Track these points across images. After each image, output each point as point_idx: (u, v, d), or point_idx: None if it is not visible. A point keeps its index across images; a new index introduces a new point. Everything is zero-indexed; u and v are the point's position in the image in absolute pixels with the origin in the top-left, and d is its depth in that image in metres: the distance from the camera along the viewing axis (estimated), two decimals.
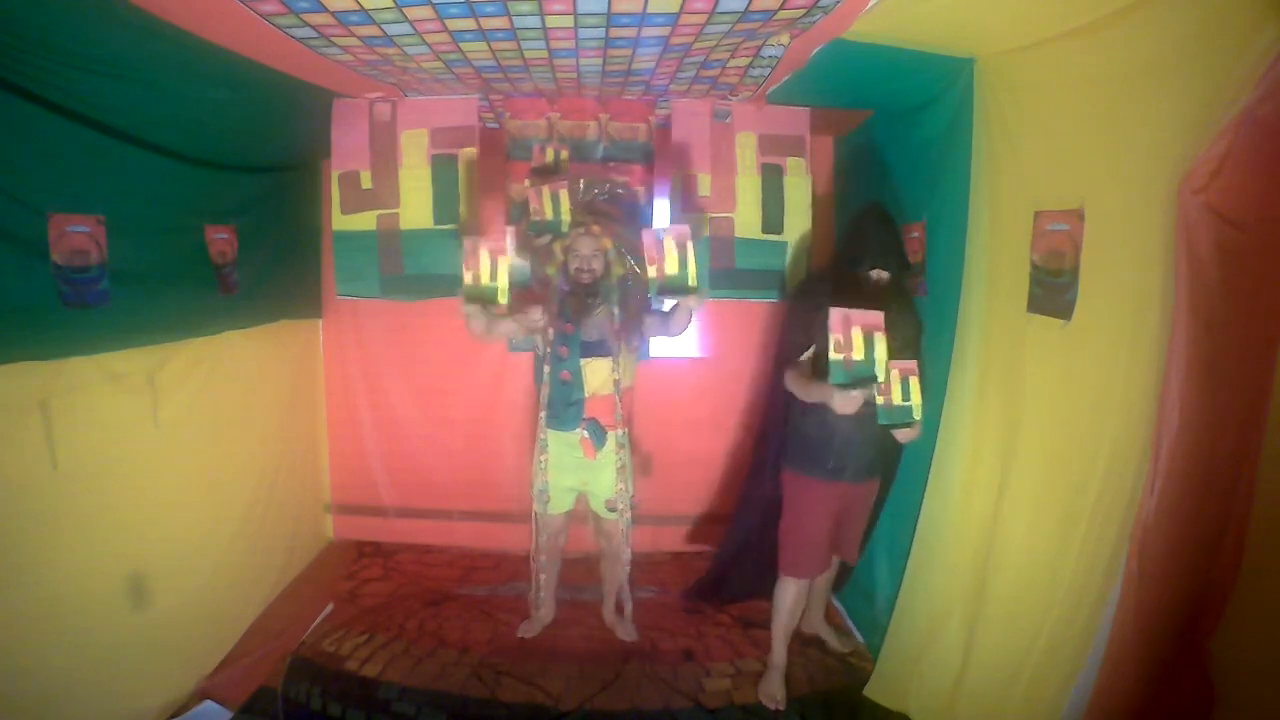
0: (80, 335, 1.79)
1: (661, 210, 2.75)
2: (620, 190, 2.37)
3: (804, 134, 2.63)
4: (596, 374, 2.30)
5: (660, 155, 2.72)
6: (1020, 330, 1.76)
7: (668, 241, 2.02)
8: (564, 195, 2.30)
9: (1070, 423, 1.61)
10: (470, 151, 2.56)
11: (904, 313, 2.20)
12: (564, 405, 2.29)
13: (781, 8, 1.62)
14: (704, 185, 2.64)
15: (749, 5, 1.61)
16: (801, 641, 2.60)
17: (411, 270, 2.61)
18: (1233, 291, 1.25)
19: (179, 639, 2.17)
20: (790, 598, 2.32)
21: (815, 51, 1.91)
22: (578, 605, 2.83)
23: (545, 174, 2.69)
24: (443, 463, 3.29)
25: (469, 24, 1.75)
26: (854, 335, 1.86)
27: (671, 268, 2.02)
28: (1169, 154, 1.30)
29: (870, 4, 1.55)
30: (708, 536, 3.32)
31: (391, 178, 2.57)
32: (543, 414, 2.33)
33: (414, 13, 1.66)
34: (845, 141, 3.02)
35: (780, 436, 2.39)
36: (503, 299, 2.08)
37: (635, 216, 2.23)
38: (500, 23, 1.74)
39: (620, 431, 2.33)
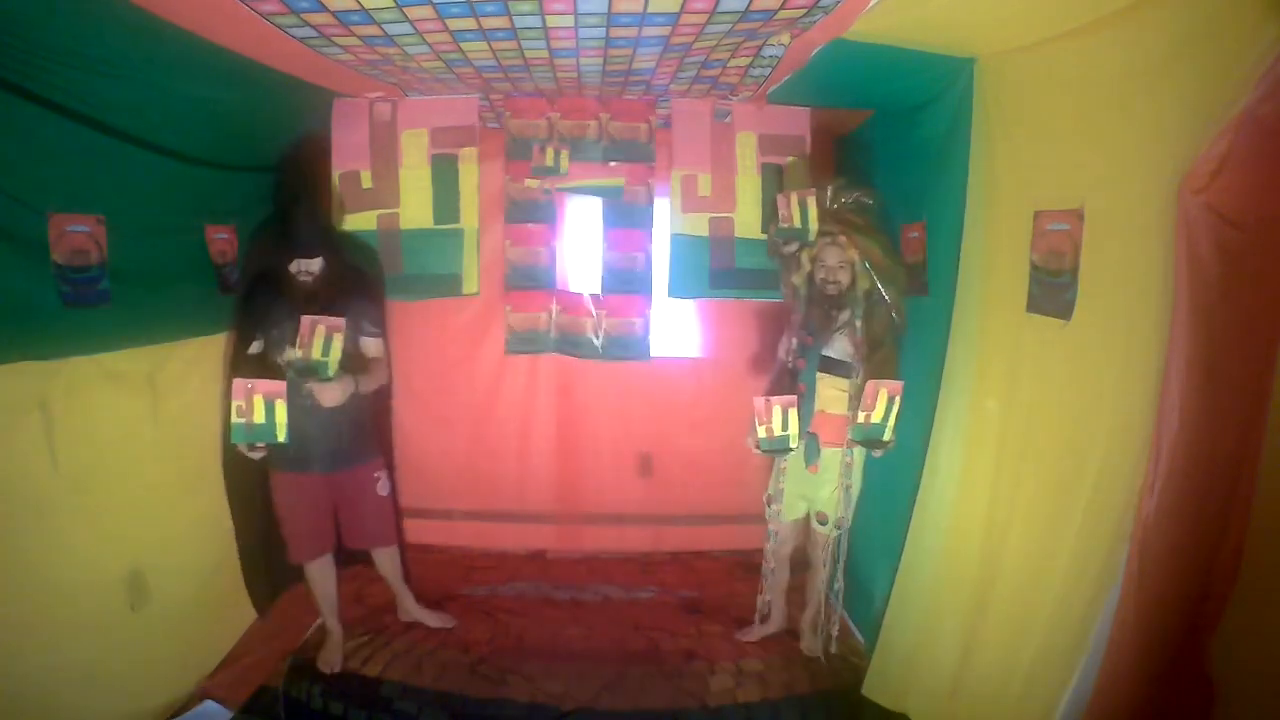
0: (81, 335, 1.79)
1: (662, 210, 2.76)
2: (869, 201, 2.31)
3: (804, 134, 2.64)
4: (829, 391, 2.27)
5: (660, 155, 2.72)
6: (1019, 330, 1.76)
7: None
8: (812, 202, 2.25)
9: (1068, 422, 1.61)
10: (472, 150, 2.57)
11: (356, 305, 2.27)
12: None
13: (782, 7, 1.62)
14: (704, 185, 2.64)
15: (749, 5, 1.61)
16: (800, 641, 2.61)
17: (411, 270, 2.61)
18: (1233, 291, 1.25)
19: (179, 639, 2.17)
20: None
21: (816, 51, 1.91)
22: (578, 605, 2.83)
23: (546, 173, 2.70)
24: (443, 463, 3.29)
25: (469, 24, 1.75)
26: (256, 402, 1.92)
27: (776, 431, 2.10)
28: (1169, 154, 1.30)
29: (871, 4, 1.55)
30: (709, 537, 3.33)
31: (392, 177, 2.58)
32: None
33: (414, 12, 1.66)
34: (846, 141, 3.02)
35: None
36: (332, 372, 2.06)
37: (884, 228, 2.25)
38: (501, 22, 1.74)
39: (848, 451, 2.25)
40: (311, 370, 2.05)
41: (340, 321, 2.05)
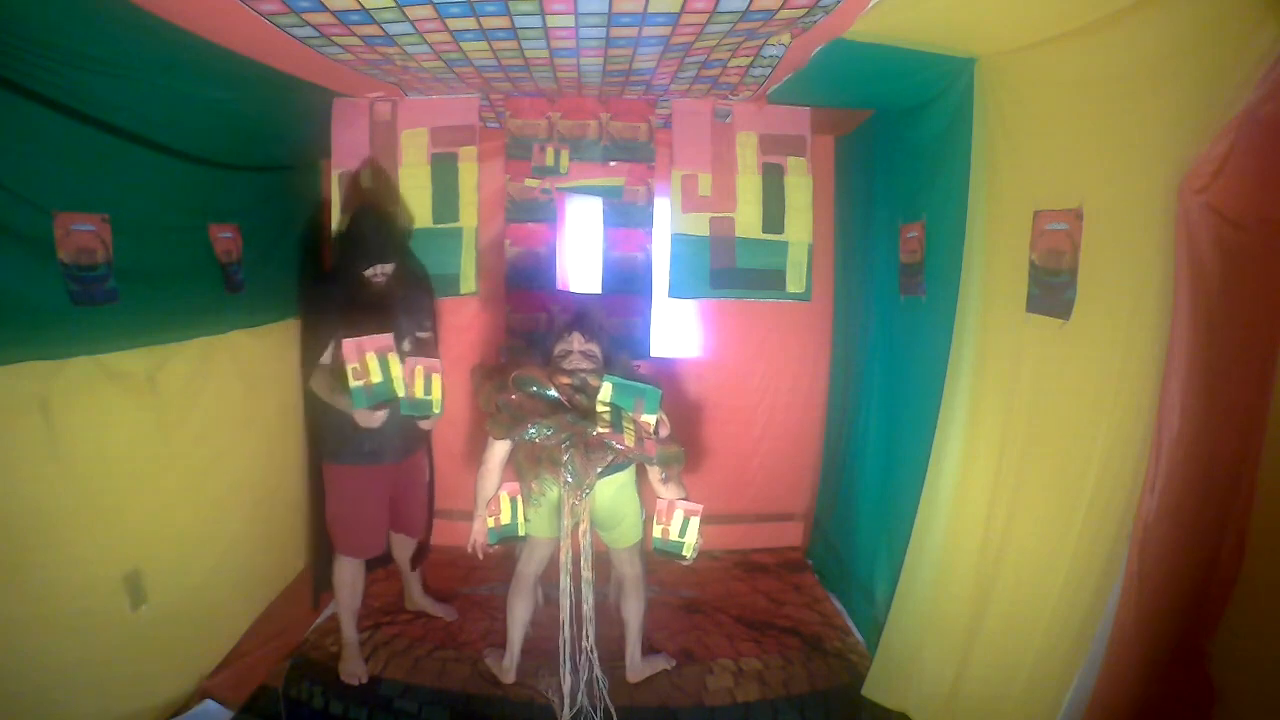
0: (90, 334, 1.79)
1: (662, 210, 2.76)
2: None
3: (805, 133, 2.64)
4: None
5: (661, 155, 2.73)
6: (1019, 330, 1.76)
7: (677, 515, 2.08)
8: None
9: (1067, 422, 1.61)
10: (472, 150, 2.57)
11: (418, 301, 2.44)
12: None
13: (782, 7, 1.62)
14: (704, 185, 2.64)
15: (750, 5, 1.61)
16: (801, 640, 2.61)
17: None
18: (1233, 291, 1.25)
19: (179, 639, 2.17)
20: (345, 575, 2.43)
21: (816, 51, 1.91)
22: None
23: (546, 173, 2.70)
24: (443, 463, 3.28)
25: (470, 23, 1.75)
26: (369, 360, 2.01)
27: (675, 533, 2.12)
28: (1169, 154, 1.30)
29: (871, 4, 1.55)
30: (707, 536, 3.32)
31: (391, 176, 2.58)
32: None
33: (415, 12, 1.66)
34: (846, 141, 3.02)
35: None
36: (437, 410, 2.18)
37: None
38: (501, 22, 1.74)
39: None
40: (418, 409, 2.18)
41: (437, 362, 2.17)
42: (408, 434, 2.40)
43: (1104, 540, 1.48)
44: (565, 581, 2.10)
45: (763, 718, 2.22)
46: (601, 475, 2.08)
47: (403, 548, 2.69)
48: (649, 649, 2.45)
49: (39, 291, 1.65)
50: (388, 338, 2.00)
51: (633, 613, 2.35)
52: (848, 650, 2.56)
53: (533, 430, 1.97)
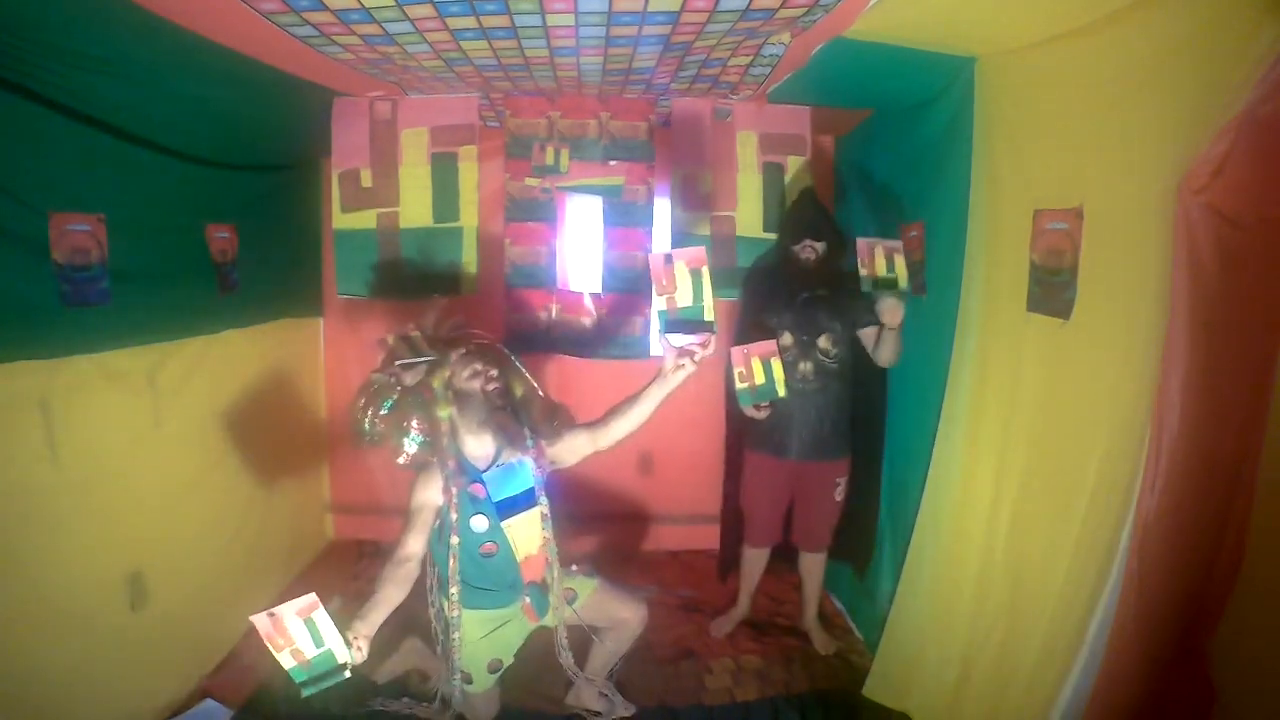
0: (81, 334, 1.79)
1: (662, 209, 2.76)
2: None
3: (805, 133, 2.63)
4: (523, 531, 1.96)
5: (661, 154, 2.72)
6: (1019, 329, 1.76)
7: (679, 266, 1.73)
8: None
9: (1068, 421, 1.61)
10: (472, 149, 2.57)
11: (843, 287, 2.37)
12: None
13: (782, 6, 1.62)
14: (705, 184, 2.64)
15: (750, 4, 1.61)
16: (801, 640, 2.61)
17: (410, 269, 2.61)
18: (1232, 291, 1.25)
19: (179, 638, 2.17)
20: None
21: (816, 50, 1.91)
22: None
23: (546, 172, 2.70)
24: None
25: (470, 22, 1.75)
26: (754, 364, 1.95)
27: (684, 298, 1.74)
28: (1169, 154, 1.30)
29: (871, 3, 1.55)
30: (708, 536, 3.32)
31: (391, 176, 2.58)
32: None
33: (415, 11, 1.66)
34: (846, 140, 3.02)
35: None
36: (903, 284, 2.04)
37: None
38: (501, 21, 1.74)
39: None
40: (884, 286, 2.05)
41: (899, 244, 2.08)
42: (820, 433, 2.38)
43: (1102, 540, 1.48)
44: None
45: (762, 717, 2.22)
46: (508, 511, 1.93)
47: (807, 565, 2.60)
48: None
49: (32, 291, 1.65)
50: (771, 344, 1.97)
51: (600, 654, 2.16)
52: (849, 649, 2.56)
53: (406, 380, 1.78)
